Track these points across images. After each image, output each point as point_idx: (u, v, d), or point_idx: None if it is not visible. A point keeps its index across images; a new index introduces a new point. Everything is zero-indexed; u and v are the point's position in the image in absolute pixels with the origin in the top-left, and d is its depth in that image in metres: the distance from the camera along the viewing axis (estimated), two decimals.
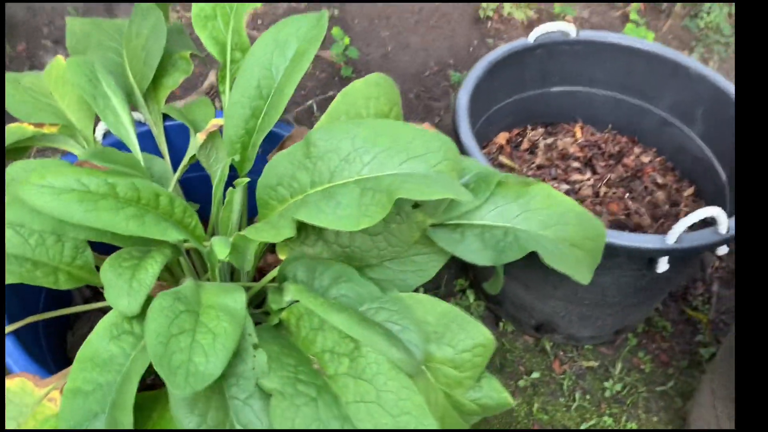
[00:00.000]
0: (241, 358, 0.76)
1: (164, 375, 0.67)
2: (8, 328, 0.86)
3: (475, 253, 0.90)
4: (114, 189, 0.80)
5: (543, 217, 0.92)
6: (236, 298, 0.79)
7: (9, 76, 1.13)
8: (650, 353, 1.35)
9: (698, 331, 1.39)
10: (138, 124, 1.09)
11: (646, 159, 1.40)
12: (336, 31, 1.85)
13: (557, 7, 2.08)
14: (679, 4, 2.08)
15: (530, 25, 2.07)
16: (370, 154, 0.82)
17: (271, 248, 1.19)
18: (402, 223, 0.90)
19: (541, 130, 1.46)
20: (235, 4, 1.07)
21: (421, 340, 0.80)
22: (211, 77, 1.86)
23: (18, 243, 0.82)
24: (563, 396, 1.28)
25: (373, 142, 0.82)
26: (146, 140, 1.10)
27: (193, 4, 1.05)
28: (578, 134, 1.45)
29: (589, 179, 1.35)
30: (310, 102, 1.81)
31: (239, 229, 0.98)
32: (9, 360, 0.83)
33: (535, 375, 1.30)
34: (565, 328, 1.28)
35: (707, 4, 1.97)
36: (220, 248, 0.85)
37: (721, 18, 1.93)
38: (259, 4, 1.07)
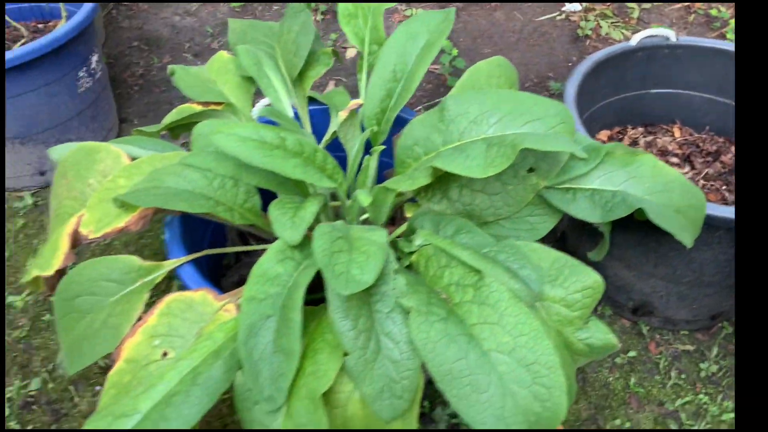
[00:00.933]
0: (384, 280, 0.90)
1: (330, 279, 0.82)
2: (188, 258, 1.04)
3: (586, 211, 1.01)
4: (284, 142, 0.97)
5: (649, 184, 1.03)
6: (380, 234, 0.94)
7: (178, 67, 1.35)
8: None
9: None
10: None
11: None
12: (445, 43, 2.02)
13: (654, 26, 2.17)
14: None
15: None
16: (495, 117, 0.96)
17: (391, 222, 1.35)
18: (518, 185, 1.03)
19: (640, 129, 1.55)
20: (372, 5, 1.25)
21: (537, 277, 0.91)
22: (330, 86, 2.07)
23: (204, 184, 1.00)
24: (659, 374, 1.34)
25: (497, 107, 0.97)
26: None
27: (339, 5, 1.24)
28: (677, 134, 1.53)
29: (687, 173, 1.43)
30: (419, 108, 1.98)
31: None
32: (188, 280, 1.01)
33: (632, 354, 1.37)
34: (663, 310, 1.35)
35: None
36: (363, 197, 1.00)
37: None
38: (393, 4, 1.24)
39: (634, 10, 2.26)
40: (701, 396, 1.30)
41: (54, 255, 1.03)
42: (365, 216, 1.11)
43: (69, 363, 1.00)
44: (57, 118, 1.63)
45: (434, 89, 2.05)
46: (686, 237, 1.01)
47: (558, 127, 0.95)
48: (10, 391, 1.31)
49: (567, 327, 0.96)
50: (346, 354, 0.86)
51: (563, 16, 2.29)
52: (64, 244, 1.03)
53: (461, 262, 0.93)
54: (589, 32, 2.19)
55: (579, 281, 0.94)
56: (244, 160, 0.94)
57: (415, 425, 0.90)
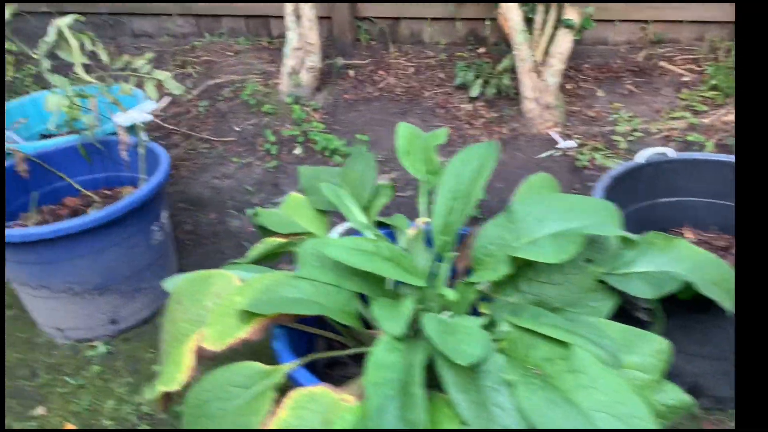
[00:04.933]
0: (487, 359, 1.04)
1: (447, 353, 0.96)
2: (300, 362, 1.16)
3: (640, 289, 1.18)
4: (379, 249, 1.15)
5: (687, 264, 1.21)
6: (473, 321, 1.09)
7: (259, 209, 1.55)
8: None
9: None
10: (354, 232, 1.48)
11: None
12: None
13: None
14: None
15: None
16: (555, 215, 1.16)
17: None
18: (578, 274, 1.21)
19: None
20: (423, 144, 1.50)
21: (615, 345, 1.06)
22: None
23: (313, 292, 1.16)
24: None
25: (556, 207, 1.17)
26: None
27: (397, 145, 1.48)
28: (689, 235, 1.74)
29: None
30: None
31: None
32: (303, 380, 1.13)
33: None
34: (711, 390, 1.47)
35: None
36: (450, 293, 1.17)
37: None
38: (443, 139, 1.49)
39: (621, 141, 2.58)
40: None
41: (179, 370, 1.15)
42: (446, 312, 1.26)
43: None
44: (134, 268, 1.80)
45: None
46: (727, 304, 1.17)
47: (607, 219, 1.15)
48: None
49: (645, 390, 1.09)
50: (463, 423, 0.98)
51: (560, 152, 2.60)
52: (188, 359, 1.15)
53: (547, 338, 1.08)
54: (587, 163, 2.49)
55: (650, 346, 1.09)
56: (350, 265, 1.12)
57: None
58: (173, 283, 1.29)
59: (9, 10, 1.78)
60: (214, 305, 1.21)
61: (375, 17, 3.56)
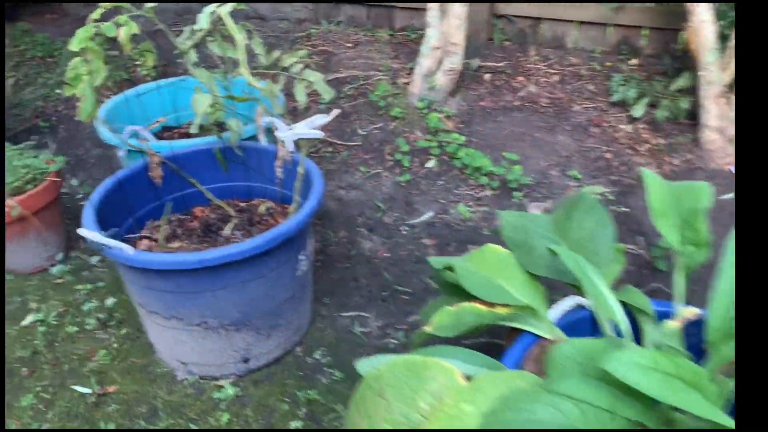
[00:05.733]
0: None
1: None
2: None
3: None
4: (680, 371, 0.83)
5: None
6: None
7: (460, 266, 1.24)
8: None
9: None
10: (578, 309, 1.16)
11: None
12: None
13: None
14: None
15: None
16: None
17: None
18: None
19: None
20: (684, 207, 1.16)
21: None
22: None
23: (579, 417, 0.85)
24: None
25: None
26: (583, 325, 1.16)
27: (651, 202, 1.15)
28: None
29: None
30: None
31: None
32: None
33: None
34: None
35: None
36: None
37: None
38: (708, 201, 1.15)
39: None
40: None
41: None
42: None
43: None
44: (275, 302, 1.54)
45: (636, 271, 1.93)
46: None
47: None
48: None
49: None
50: None
51: None
52: None
53: None
54: None
55: None
56: (646, 393, 0.80)
57: None
58: (370, 366, 1.01)
59: None
60: (432, 410, 0.92)
61: (514, 16, 3.21)
